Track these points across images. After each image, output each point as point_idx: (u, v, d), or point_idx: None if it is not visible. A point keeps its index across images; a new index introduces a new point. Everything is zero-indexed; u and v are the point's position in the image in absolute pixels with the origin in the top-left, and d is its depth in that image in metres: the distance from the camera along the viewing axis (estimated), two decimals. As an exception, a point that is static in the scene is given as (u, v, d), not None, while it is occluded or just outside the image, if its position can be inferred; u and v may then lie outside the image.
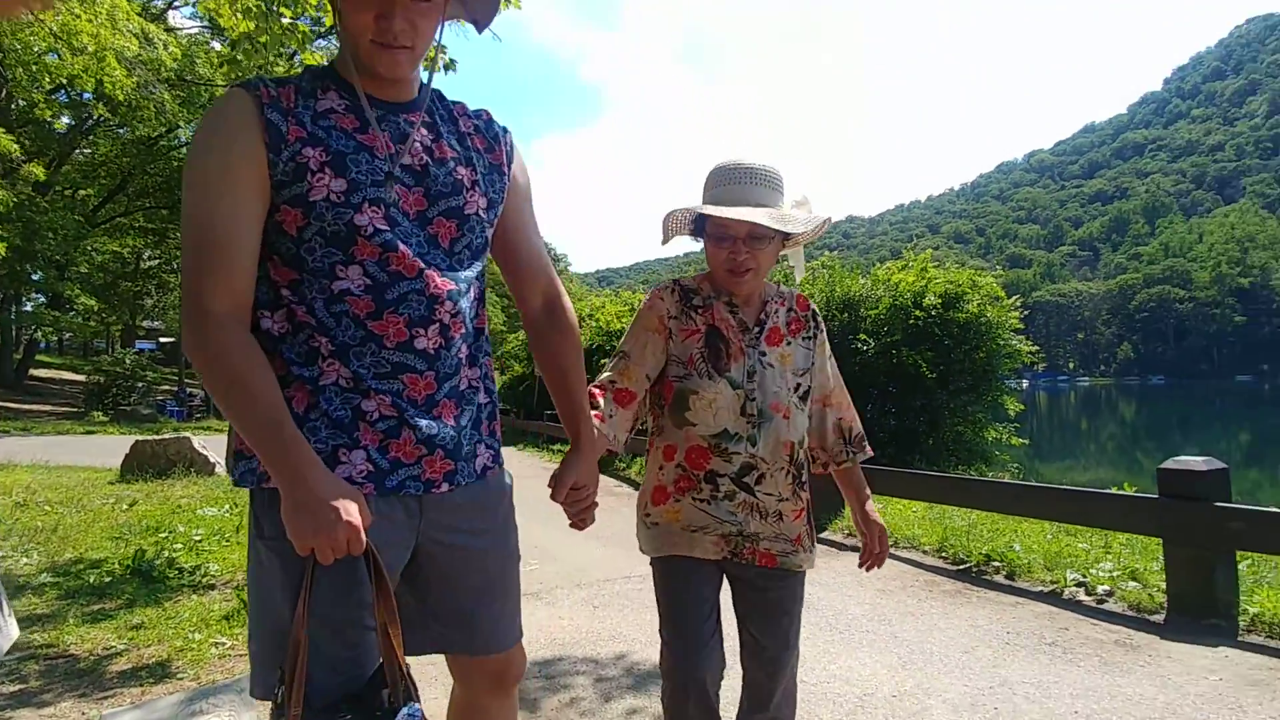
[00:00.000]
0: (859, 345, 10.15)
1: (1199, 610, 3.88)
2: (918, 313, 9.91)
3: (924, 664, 3.37)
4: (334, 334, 1.18)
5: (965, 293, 10.19)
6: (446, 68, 4.89)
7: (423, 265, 1.22)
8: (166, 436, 11.01)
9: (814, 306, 1.91)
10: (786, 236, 1.75)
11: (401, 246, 1.20)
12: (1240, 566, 4.57)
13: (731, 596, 1.83)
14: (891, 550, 5.52)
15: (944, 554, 5.25)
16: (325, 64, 1.30)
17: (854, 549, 5.61)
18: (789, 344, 1.81)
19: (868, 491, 1.96)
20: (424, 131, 1.29)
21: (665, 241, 1.81)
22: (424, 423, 1.23)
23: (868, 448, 1.97)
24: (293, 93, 1.20)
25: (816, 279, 11.30)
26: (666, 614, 1.75)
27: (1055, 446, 39.02)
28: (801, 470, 1.81)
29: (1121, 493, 4.63)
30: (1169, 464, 4.00)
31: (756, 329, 1.77)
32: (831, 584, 4.71)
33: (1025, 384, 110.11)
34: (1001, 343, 10.29)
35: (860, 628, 3.88)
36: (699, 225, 1.77)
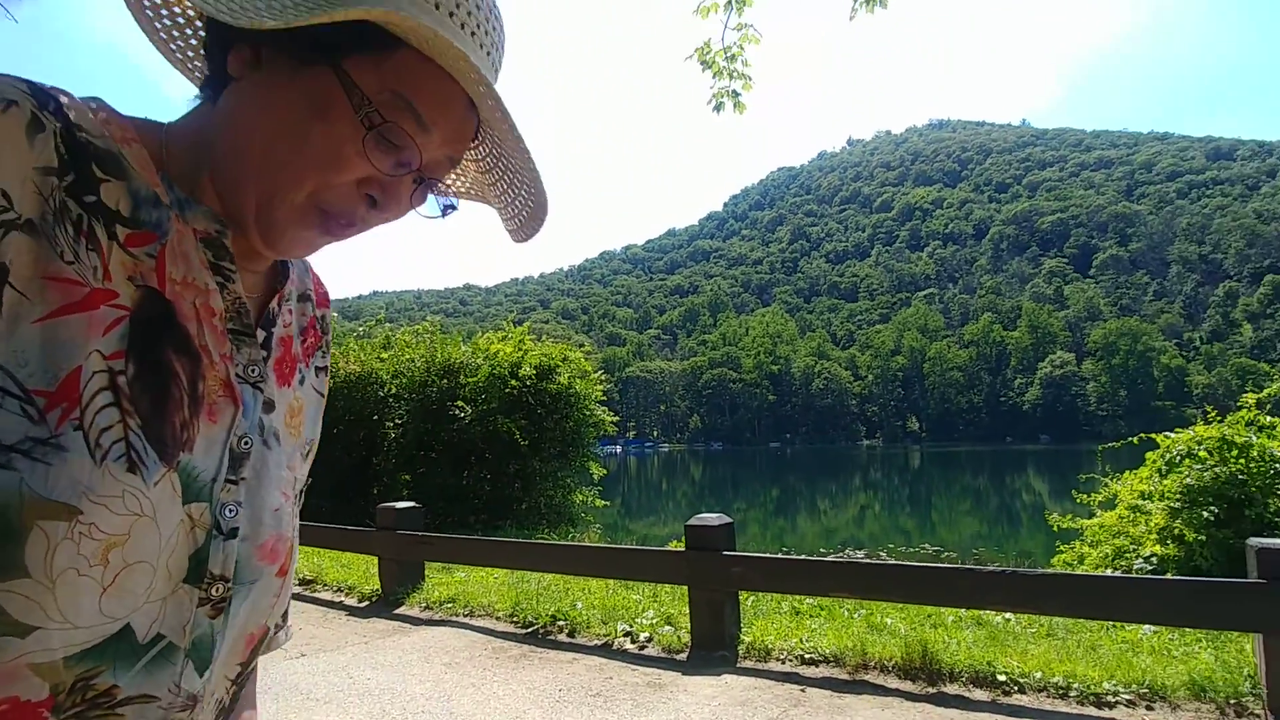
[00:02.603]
0: (457, 412, 10.23)
1: (712, 644, 4.56)
2: (514, 382, 10.40)
3: (476, 737, 3.34)
4: None
5: (557, 365, 11.03)
6: None
7: None
8: None
9: (326, 288, 0.86)
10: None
11: None
12: (747, 603, 5.55)
13: None
14: (466, 619, 5.51)
15: (515, 618, 5.40)
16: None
17: (428, 623, 5.47)
18: (301, 383, 0.78)
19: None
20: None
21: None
22: None
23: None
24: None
25: (419, 343, 11.19)
26: None
27: (643, 505, 43.91)
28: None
29: (658, 548, 5.29)
30: (692, 521, 4.70)
31: (263, 336, 0.71)
32: (397, 664, 4.48)
33: (619, 450, 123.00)
34: (588, 412, 11.30)
35: (417, 708, 3.73)
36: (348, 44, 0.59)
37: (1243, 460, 5.50)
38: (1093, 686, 3.74)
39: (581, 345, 12.93)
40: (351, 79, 0.58)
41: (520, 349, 10.90)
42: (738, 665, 4.37)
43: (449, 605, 5.77)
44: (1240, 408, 6.03)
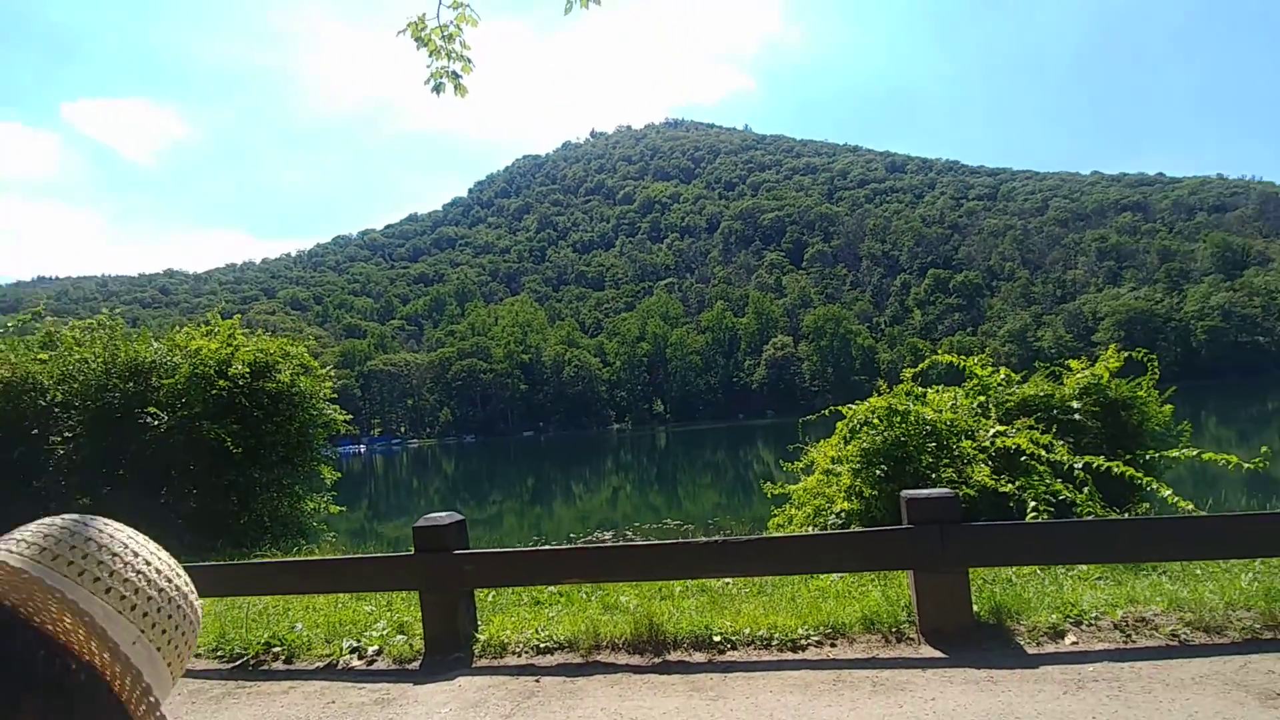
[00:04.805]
0: (149, 420, 8.83)
1: (448, 648, 4.41)
2: (222, 382, 9.20)
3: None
4: None
5: (277, 362, 9.96)
6: None
7: None
8: None
9: None
10: None
11: None
12: (487, 598, 5.44)
13: None
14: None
15: (221, 651, 4.78)
16: None
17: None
18: None
19: None
20: None
21: None
22: None
23: None
24: None
25: (94, 340, 9.46)
26: None
27: (394, 506, 41.67)
28: None
29: (382, 554, 5.01)
30: (421, 521, 4.50)
31: None
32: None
33: (362, 449, 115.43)
34: (315, 412, 10.36)
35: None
36: None
37: (904, 425, 6.54)
38: (789, 634, 4.21)
39: (319, 338, 11.83)
40: None
41: (230, 344, 9.64)
42: (473, 665, 4.27)
43: (135, 647, 4.95)
44: (901, 381, 7.18)
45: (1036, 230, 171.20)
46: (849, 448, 6.82)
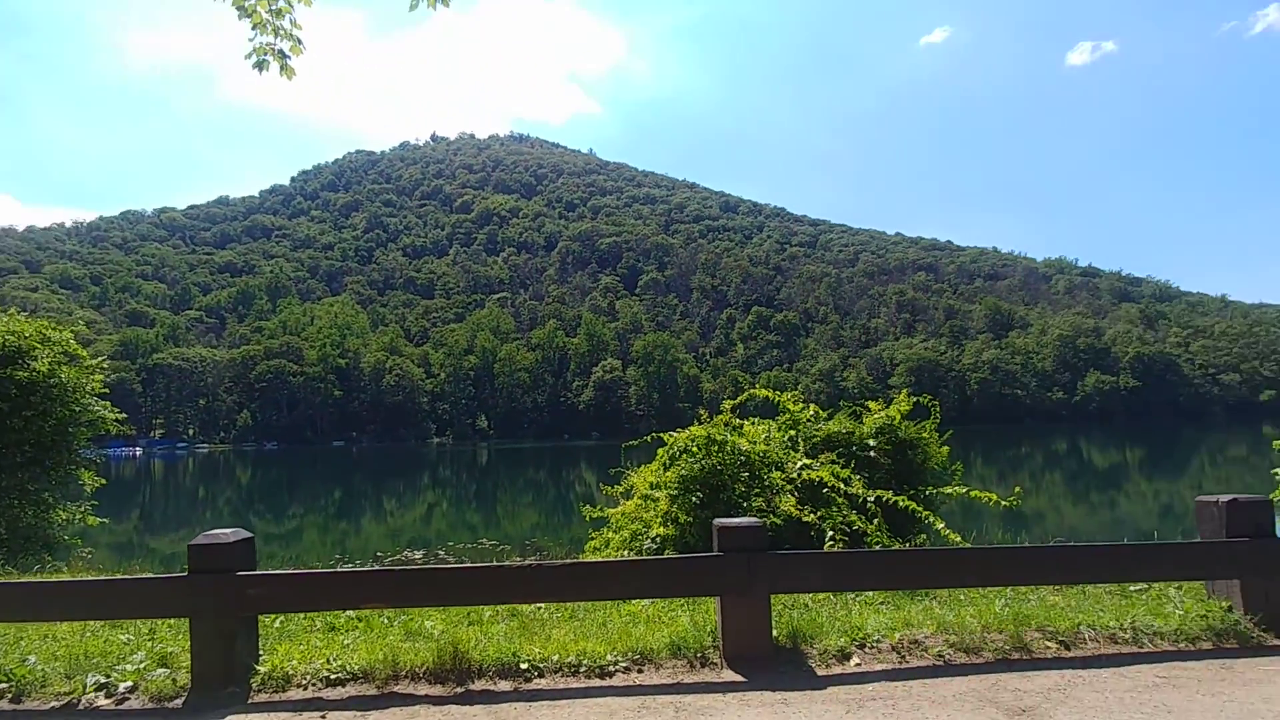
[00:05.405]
0: None
1: (220, 682, 3.93)
2: (-43, 367, 7.78)
3: None
4: None
5: (34, 347, 8.59)
6: None
7: None
8: None
9: None
10: None
11: None
12: (274, 624, 4.96)
13: None
14: None
15: (-81, 692, 3.95)
16: None
17: None
18: None
19: None
20: None
21: None
22: None
23: None
24: None
25: None
26: None
27: (171, 518, 37.30)
28: None
29: (145, 575, 4.42)
30: (200, 539, 4.01)
31: None
32: None
33: (137, 452, 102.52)
34: (78, 407, 9.04)
35: None
36: None
37: (720, 454, 6.81)
38: (599, 660, 4.18)
39: (92, 324, 10.30)
40: None
41: (-29, 323, 8.20)
42: (250, 701, 3.84)
43: None
44: (721, 412, 7.48)
45: (848, 280, 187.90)
46: (668, 474, 6.98)
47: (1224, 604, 4.67)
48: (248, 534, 4.09)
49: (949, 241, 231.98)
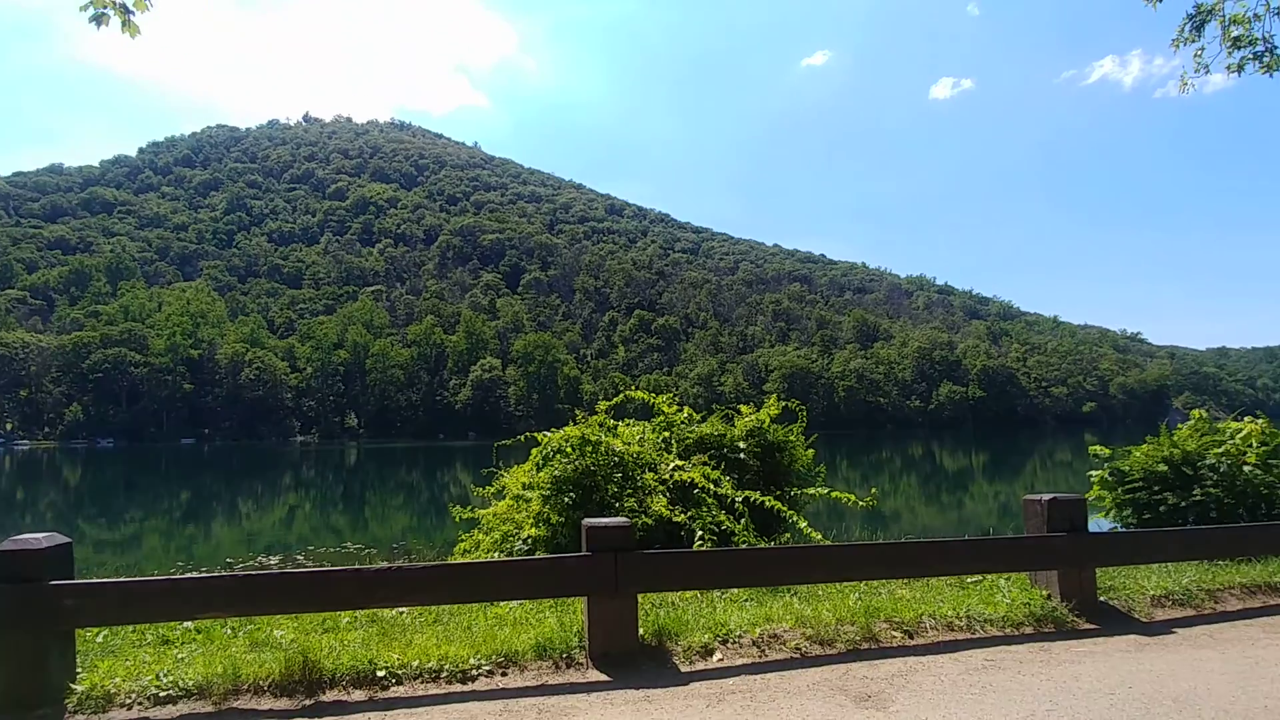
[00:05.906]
0: None
1: (27, 704, 3.52)
2: None
3: None
4: None
5: None
6: None
7: None
8: None
9: None
10: None
11: None
12: (96, 639, 4.50)
13: None
14: None
15: None
16: None
17: None
18: None
19: None
20: None
21: None
22: None
23: None
24: None
25: None
26: None
27: (-26, 522, 33.08)
28: None
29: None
30: (5, 545, 3.57)
31: None
32: None
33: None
34: None
35: None
36: None
37: (594, 455, 6.81)
38: (461, 664, 4.07)
39: None
40: None
41: None
42: (61, 724, 3.45)
43: None
44: (595, 413, 7.50)
45: (728, 287, 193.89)
46: (541, 475, 6.92)
47: (1044, 592, 5.16)
48: (64, 539, 3.68)
49: (823, 255, 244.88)
